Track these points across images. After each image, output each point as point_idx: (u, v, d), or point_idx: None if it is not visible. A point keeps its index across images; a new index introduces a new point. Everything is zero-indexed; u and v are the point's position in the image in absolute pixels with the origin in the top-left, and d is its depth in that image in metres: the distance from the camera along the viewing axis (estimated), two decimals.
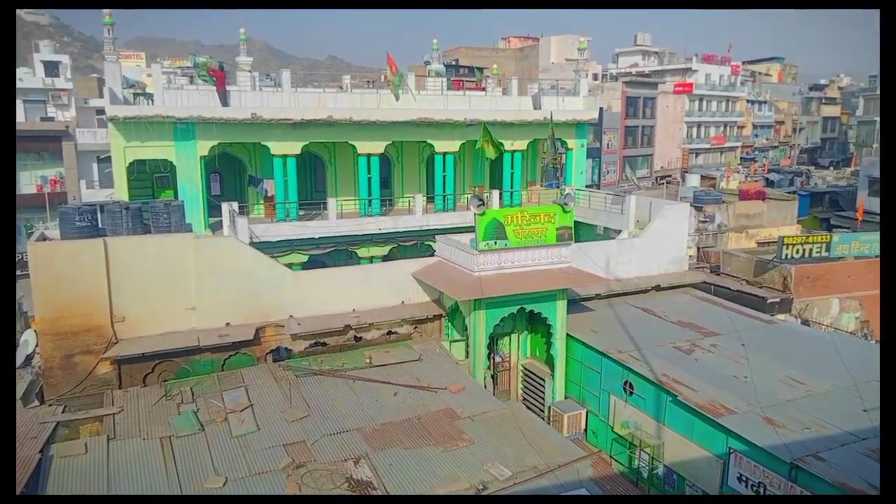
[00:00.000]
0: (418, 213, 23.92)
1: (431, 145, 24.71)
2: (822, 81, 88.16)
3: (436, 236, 18.72)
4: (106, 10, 22.02)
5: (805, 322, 21.05)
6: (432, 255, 18.58)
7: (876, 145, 47.19)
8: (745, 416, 12.82)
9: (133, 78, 40.55)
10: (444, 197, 25.24)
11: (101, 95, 35.64)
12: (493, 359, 17.60)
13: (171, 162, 21.20)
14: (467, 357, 16.59)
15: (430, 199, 25.61)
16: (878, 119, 60.12)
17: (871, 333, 22.23)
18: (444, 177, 25.14)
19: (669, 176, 56.57)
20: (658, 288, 20.91)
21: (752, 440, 12.01)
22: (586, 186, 29.71)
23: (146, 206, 15.37)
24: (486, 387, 16.15)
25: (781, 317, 20.77)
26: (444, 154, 24.86)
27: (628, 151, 55.37)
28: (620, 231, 23.00)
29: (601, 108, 44.00)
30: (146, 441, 11.74)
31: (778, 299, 21.46)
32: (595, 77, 60.84)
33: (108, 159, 23.53)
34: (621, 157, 54.34)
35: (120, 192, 20.75)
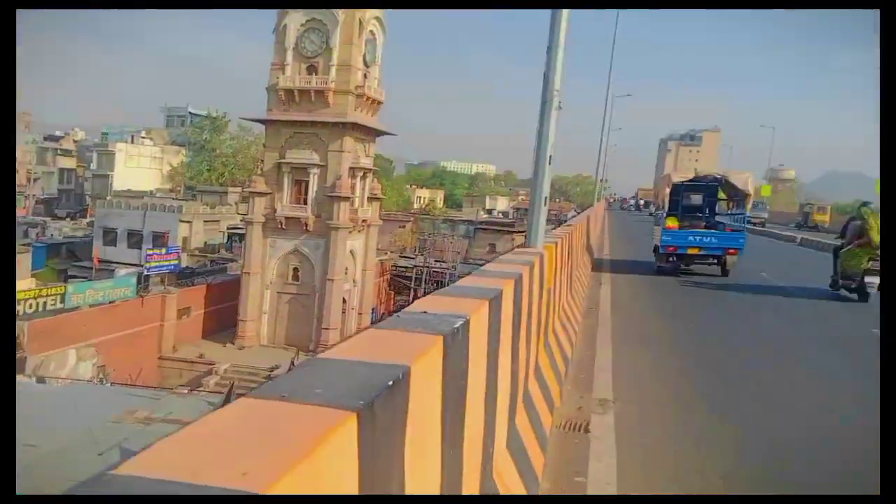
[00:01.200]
0: None
1: None
2: (58, 133, 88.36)
3: None
4: None
5: (41, 380, 20.12)
6: None
7: (109, 198, 50.47)
8: None
9: None
10: None
11: None
12: None
13: None
14: None
15: None
16: (110, 174, 64.99)
17: (107, 377, 23.23)
18: None
19: None
20: None
21: None
22: None
23: None
24: None
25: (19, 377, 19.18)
26: None
27: None
28: None
29: None
30: None
31: None
32: None
33: None
34: None
35: None
